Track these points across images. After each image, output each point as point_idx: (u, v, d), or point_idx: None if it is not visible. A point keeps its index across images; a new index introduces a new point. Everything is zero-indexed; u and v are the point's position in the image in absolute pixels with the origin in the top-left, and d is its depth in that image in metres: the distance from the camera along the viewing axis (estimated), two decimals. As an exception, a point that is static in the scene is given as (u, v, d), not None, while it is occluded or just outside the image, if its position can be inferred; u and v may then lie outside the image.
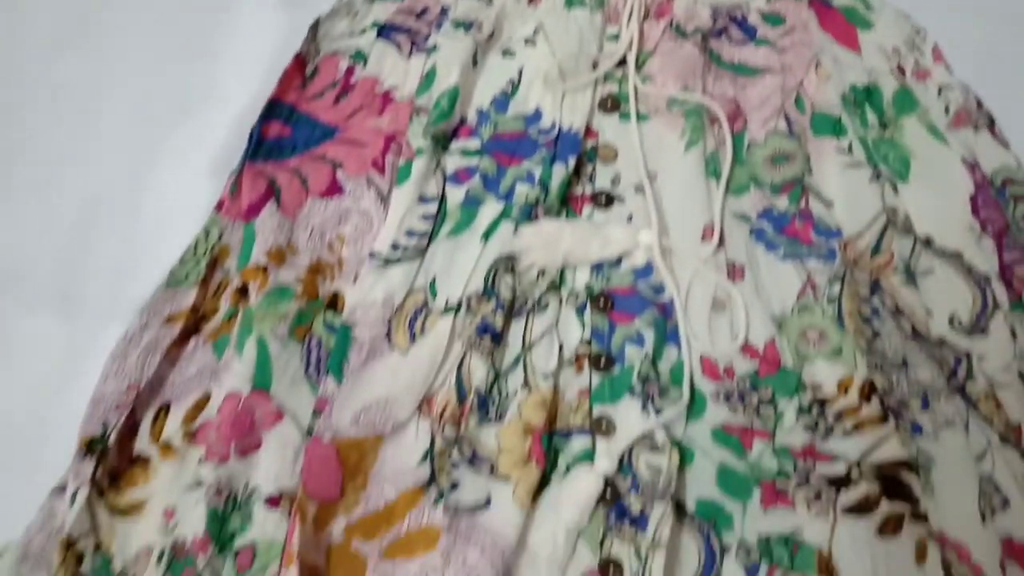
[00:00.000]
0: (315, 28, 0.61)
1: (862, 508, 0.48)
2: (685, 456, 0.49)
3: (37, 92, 0.62)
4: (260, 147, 0.56)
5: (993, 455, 0.50)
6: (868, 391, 0.50)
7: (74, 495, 0.46)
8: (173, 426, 0.49)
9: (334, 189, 0.57)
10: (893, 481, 0.48)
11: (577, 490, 0.47)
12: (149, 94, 0.61)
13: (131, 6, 0.64)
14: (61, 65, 0.63)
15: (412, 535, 0.47)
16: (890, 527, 0.48)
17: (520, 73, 0.61)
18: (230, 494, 0.47)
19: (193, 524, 0.46)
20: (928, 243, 0.56)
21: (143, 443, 0.49)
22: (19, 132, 0.60)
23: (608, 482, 0.48)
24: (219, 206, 0.55)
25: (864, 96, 0.60)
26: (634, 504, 0.48)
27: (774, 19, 0.63)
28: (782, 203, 0.57)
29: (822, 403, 0.51)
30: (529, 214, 0.55)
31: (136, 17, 0.63)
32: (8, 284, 0.55)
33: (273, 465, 0.47)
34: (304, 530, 0.45)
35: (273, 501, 0.47)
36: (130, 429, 0.49)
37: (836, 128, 0.59)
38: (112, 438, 0.47)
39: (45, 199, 0.58)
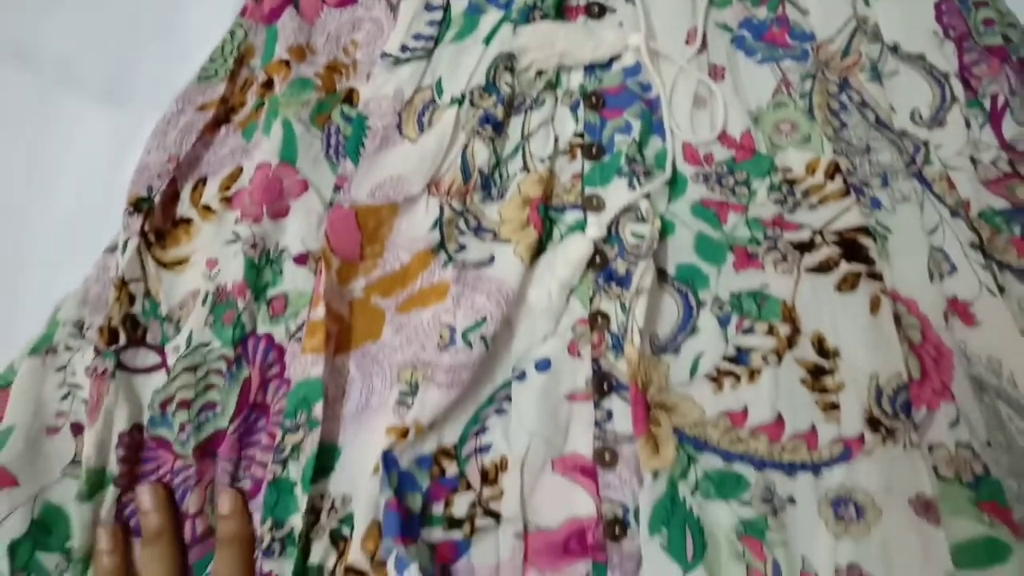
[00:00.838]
0: None
1: (823, 268, 0.52)
2: (666, 228, 0.54)
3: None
4: (279, -42, 0.60)
5: (944, 229, 0.54)
6: (833, 171, 0.54)
7: (125, 244, 0.51)
8: (211, 192, 0.54)
9: (347, 0, 0.60)
10: (852, 245, 0.53)
11: (569, 252, 0.52)
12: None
13: None
14: None
15: (424, 291, 0.52)
16: (848, 284, 0.52)
17: None
18: (263, 250, 0.52)
19: (232, 272, 0.51)
20: (895, 49, 0.59)
21: (184, 207, 0.54)
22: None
23: (597, 248, 0.52)
24: (243, 11, 0.59)
25: (840, -83, 0.63)
26: (620, 267, 0.52)
27: None
28: (761, 13, 0.60)
29: (791, 182, 0.55)
30: (527, 18, 0.58)
31: None
32: (64, 80, 0.59)
33: (300, 229, 0.52)
34: (329, 278, 0.49)
35: (301, 259, 0.52)
36: (171, 197, 0.54)
37: (812, -57, 0.61)
38: (156, 199, 0.52)
39: (97, 8, 0.62)
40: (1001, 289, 0.53)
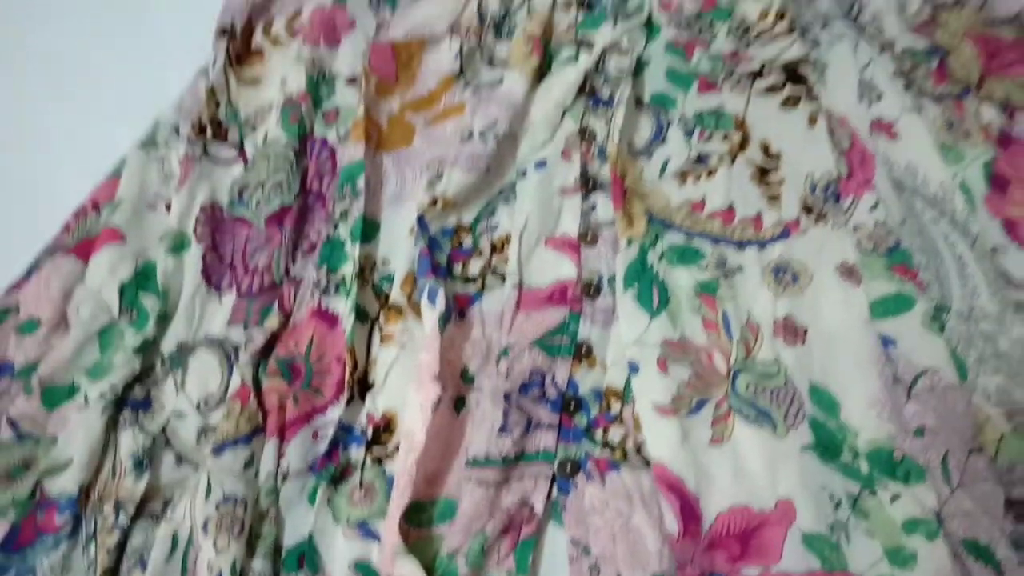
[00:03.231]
0: None
1: (770, 90, 0.53)
2: (643, 63, 0.55)
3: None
4: None
5: (874, 64, 0.55)
6: (781, 15, 0.55)
7: (214, 62, 0.53)
8: (278, 27, 0.56)
9: None
10: (794, 72, 0.53)
11: (564, 78, 0.53)
12: None
13: None
14: None
15: (448, 109, 0.53)
16: (790, 102, 0.53)
17: None
18: (320, 70, 0.54)
19: (297, 83, 0.53)
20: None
21: (258, 39, 0.56)
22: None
23: (587, 77, 0.53)
24: None
25: None
26: (604, 92, 0.53)
27: None
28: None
29: (747, 27, 0.55)
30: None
31: None
32: None
33: (349, 57, 0.54)
34: (368, 88, 0.52)
35: (350, 81, 0.54)
36: (248, 33, 0.56)
37: None
38: (238, 29, 0.54)
39: None
40: (919, 109, 0.54)
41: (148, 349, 0.46)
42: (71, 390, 0.44)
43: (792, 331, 0.45)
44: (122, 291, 0.47)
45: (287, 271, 0.49)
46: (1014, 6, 0.54)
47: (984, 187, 0.51)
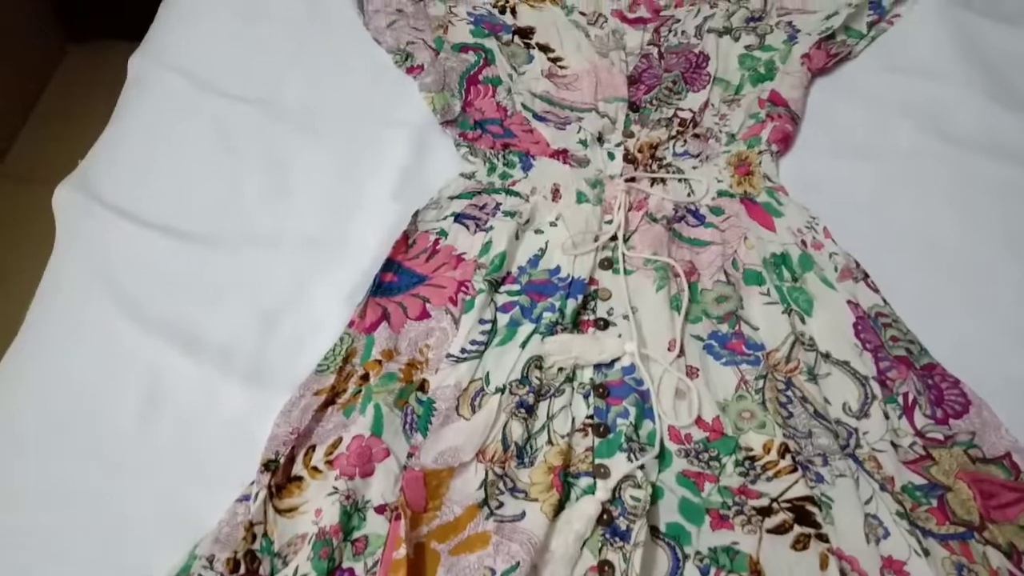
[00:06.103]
0: (415, 215, 0.77)
1: (780, 530, 0.58)
2: (657, 493, 0.60)
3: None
4: (379, 288, 0.71)
5: (877, 500, 0.60)
6: (783, 451, 0.61)
7: (256, 495, 0.58)
8: (318, 457, 0.62)
9: (424, 315, 0.71)
10: (802, 511, 0.58)
11: (583, 511, 0.58)
12: (312, 248, 0.76)
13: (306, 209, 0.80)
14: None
15: (471, 539, 0.58)
16: (800, 544, 0.57)
17: (546, 244, 0.76)
18: (354, 501, 0.59)
19: (331, 517, 0.57)
20: (827, 356, 0.68)
21: (298, 468, 0.61)
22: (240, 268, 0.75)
23: (604, 508, 0.59)
24: (351, 324, 0.69)
25: (780, 260, 0.74)
26: (622, 523, 0.58)
27: (717, 210, 0.78)
28: (723, 328, 0.70)
29: (752, 459, 0.62)
30: (552, 331, 0.69)
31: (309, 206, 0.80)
32: (224, 364, 0.68)
33: (381, 486, 0.59)
34: (406, 525, 0.56)
35: (380, 509, 0.59)
36: (290, 459, 0.62)
37: (759, 280, 0.72)
38: (281, 462, 0.60)
39: (247, 297, 0.72)
40: (926, 552, 0.57)
41: None
42: None
43: None
44: None
45: None
46: (1001, 447, 0.61)
47: (1004, 643, 0.53)
